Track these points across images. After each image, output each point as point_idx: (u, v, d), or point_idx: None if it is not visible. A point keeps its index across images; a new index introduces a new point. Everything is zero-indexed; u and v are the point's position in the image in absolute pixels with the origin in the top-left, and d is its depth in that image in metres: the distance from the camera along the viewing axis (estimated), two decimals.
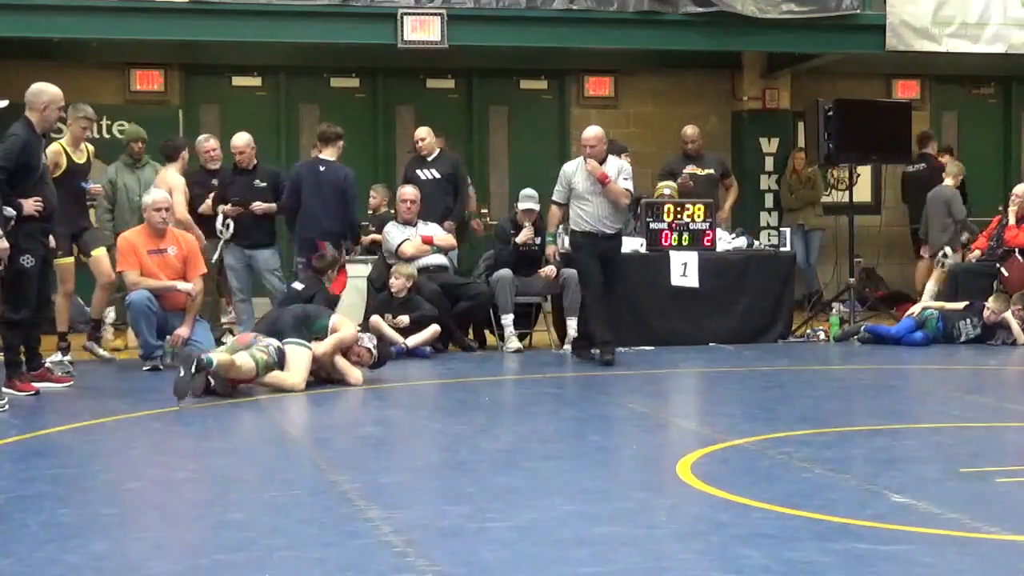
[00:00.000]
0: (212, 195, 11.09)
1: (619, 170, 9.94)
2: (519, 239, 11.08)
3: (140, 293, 9.38)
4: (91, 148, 10.12)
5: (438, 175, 11.87)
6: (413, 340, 10.34)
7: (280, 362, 8.38)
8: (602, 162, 9.97)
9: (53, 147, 9.56)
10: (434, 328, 10.45)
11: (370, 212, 12.41)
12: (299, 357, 8.50)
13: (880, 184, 15.19)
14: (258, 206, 10.92)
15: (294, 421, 7.64)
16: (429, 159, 12.06)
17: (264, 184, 11.13)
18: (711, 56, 14.35)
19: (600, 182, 9.82)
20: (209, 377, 8.03)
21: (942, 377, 9.72)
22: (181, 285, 9.49)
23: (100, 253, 10.00)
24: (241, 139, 11.20)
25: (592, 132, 10.09)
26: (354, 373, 8.72)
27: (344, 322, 8.96)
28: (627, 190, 9.98)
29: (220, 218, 10.93)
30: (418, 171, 12.06)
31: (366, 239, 11.92)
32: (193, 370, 7.75)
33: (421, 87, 14.68)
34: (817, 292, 13.86)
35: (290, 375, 8.40)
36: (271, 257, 11.04)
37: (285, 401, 8.07)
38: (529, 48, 13.54)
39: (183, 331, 9.41)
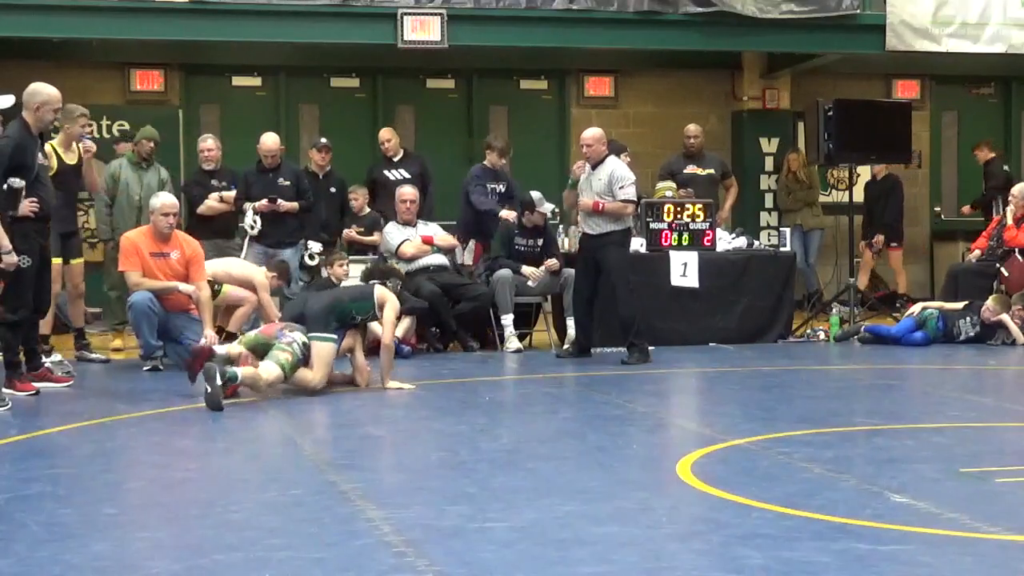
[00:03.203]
0: (235, 195, 11.16)
1: (610, 179, 9.93)
2: (526, 219, 11.04)
3: (142, 294, 9.37)
4: (76, 148, 10.09)
5: (407, 175, 11.92)
6: (399, 330, 10.34)
7: (306, 357, 8.27)
8: (598, 164, 10.04)
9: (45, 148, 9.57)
10: (410, 320, 10.44)
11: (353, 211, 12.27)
12: (323, 354, 8.35)
13: None
14: (283, 204, 10.96)
15: (294, 421, 7.63)
16: (396, 159, 12.17)
17: (288, 182, 11.16)
18: (711, 56, 14.35)
19: (595, 211, 9.94)
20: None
21: (942, 377, 9.72)
22: (183, 287, 9.48)
23: (79, 262, 10.04)
24: (272, 140, 11.25)
25: (590, 133, 10.19)
26: (364, 374, 8.68)
27: (386, 294, 8.68)
28: (624, 201, 9.98)
29: (249, 215, 10.93)
30: (385, 172, 12.17)
31: (347, 235, 11.85)
32: (219, 382, 7.62)
33: (421, 87, 14.69)
34: (817, 292, 13.86)
35: (312, 374, 8.30)
36: (293, 256, 11.05)
37: (285, 401, 8.06)
38: (529, 48, 13.54)
39: (210, 337, 9.17)
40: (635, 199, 10.29)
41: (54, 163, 9.57)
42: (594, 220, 10.02)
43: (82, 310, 10.29)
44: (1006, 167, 14.75)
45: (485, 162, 11.74)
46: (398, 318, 10.18)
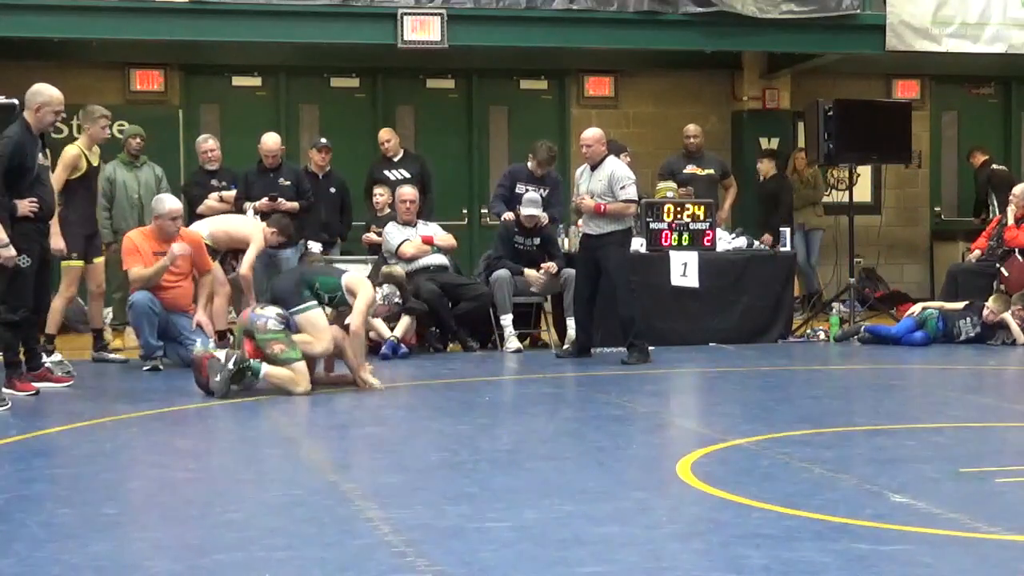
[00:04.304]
0: (235, 194, 11.17)
1: (610, 180, 9.92)
2: (531, 275, 11.00)
3: (143, 294, 9.39)
4: (97, 150, 10.13)
5: (407, 175, 11.92)
6: (398, 330, 10.34)
7: (288, 325, 8.26)
8: (598, 164, 10.04)
9: (72, 150, 9.67)
10: (410, 319, 10.43)
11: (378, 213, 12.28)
12: (315, 320, 8.34)
13: (880, 184, 15.20)
14: (283, 203, 10.97)
15: (294, 421, 7.63)
16: (396, 160, 12.18)
17: (288, 182, 11.18)
18: (711, 56, 14.34)
19: (596, 213, 9.94)
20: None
21: (942, 377, 9.72)
22: (177, 247, 9.45)
23: (100, 261, 10.07)
24: (273, 140, 11.27)
25: (590, 133, 10.18)
26: (369, 379, 8.60)
27: (359, 282, 8.57)
28: (626, 201, 9.98)
29: (249, 215, 10.94)
30: (385, 172, 12.17)
31: (366, 238, 11.90)
32: (231, 366, 7.89)
33: (421, 87, 14.69)
34: (817, 292, 13.86)
35: (316, 342, 8.31)
36: (293, 256, 11.06)
37: (285, 401, 8.06)
38: (529, 48, 13.55)
39: (203, 323, 9.46)
40: (636, 199, 10.30)
41: (83, 164, 9.64)
42: (595, 221, 10.03)
43: (101, 309, 10.28)
44: (996, 166, 14.73)
45: (528, 163, 11.69)
46: (397, 316, 10.23)
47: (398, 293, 8.84)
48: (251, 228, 10.58)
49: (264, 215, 10.94)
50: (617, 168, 10.09)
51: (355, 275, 8.72)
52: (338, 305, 8.53)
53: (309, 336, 8.32)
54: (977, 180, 14.77)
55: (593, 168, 10.09)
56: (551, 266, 11.00)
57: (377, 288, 8.69)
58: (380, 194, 11.96)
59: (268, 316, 8.25)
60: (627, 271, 10.10)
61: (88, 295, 10.18)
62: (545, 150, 11.51)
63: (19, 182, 8.10)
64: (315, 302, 8.41)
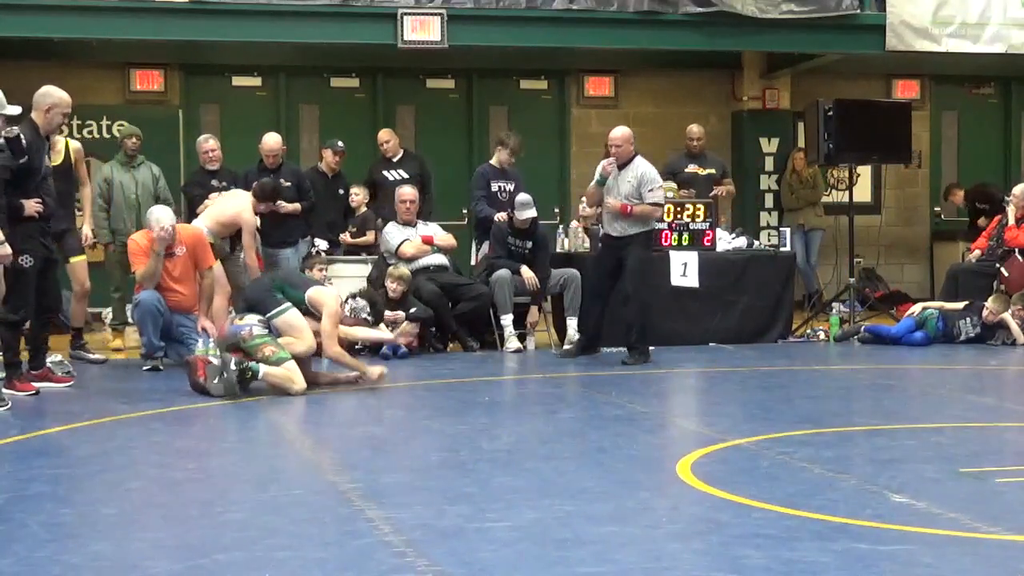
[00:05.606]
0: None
1: (639, 181, 9.86)
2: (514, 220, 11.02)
3: (151, 294, 9.40)
4: (73, 146, 10.03)
5: (405, 175, 11.94)
6: (398, 331, 10.33)
7: (270, 330, 8.29)
8: (625, 164, 9.96)
9: None
10: (411, 324, 10.43)
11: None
12: (292, 321, 8.35)
13: (880, 184, 15.21)
14: (284, 206, 10.95)
15: (294, 421, 7.64)
16: (395, 160, 12.19)
17: (289, 183, 11.18)
18: (711, 56, 14.34)
19: (622, 214, 9.88)
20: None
21: (942, 377, 9.72)
22: (162, 221, 9.42)
23: (78, 260, 9.92)
24: (273, 140, 11.29)
25: (618, 132, 10.07)
26: (371, 369, 8.64)
27: (324, 296, 8.53)
28: (653, 204, 9.93)
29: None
30: (384, 172, 12.19)
31: (343, 239, 11.88)
32: (232, 367, 7.92)
33: (421, 87, 14.68)
34: (817, 292, 13.86)
35: (298, 342, 8.32)
36: (293, 256, 11.06)
37: (284, 401, 8.07)
38: (529, 48, 13.53)
39: (209, 328, 9.45)
40: (663, 202, 10.26)
41: None
42: (619, 222, 9.93)
43: (84, 309, 10.26)
44: (981, 184, 14.79)
45: (492, 161, 11.70)
46: (398, 322, 10.25)
47: (368, 309, 8.75)
48: (235, 207, 10.53)
49: (263, 216, 10.93)
50: (648, 170, 9.97)
51: (320, 291, 8.64)
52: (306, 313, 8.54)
53: (291, 337, 8.35)
54: (976, 201, 14.69)
55: (620, 168, 9.98)
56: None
57: (350, 299, 8.67)
58: (356, 194, 11.99)
59: (250, 324, 8.31)
60: (644, 274, 10.00)
61: (72, 294, 10.14)
62: (515, 138, 11.68)
63: (27, 182, 8.12)
64: (289, 304, 8.43)
